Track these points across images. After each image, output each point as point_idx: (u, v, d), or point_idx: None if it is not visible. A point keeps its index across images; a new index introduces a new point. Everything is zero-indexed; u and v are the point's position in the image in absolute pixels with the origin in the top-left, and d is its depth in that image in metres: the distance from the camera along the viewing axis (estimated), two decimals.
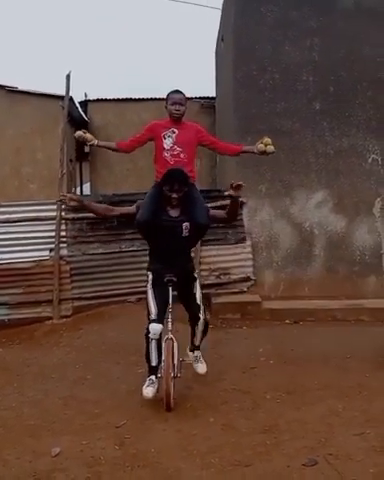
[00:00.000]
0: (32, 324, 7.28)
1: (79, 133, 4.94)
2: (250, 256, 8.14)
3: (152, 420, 4.16)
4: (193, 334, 4.79)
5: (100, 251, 7.75)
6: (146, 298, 4.60)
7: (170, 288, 4.55)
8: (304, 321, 7.20)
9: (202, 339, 4.85)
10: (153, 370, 4.52)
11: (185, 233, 4.50)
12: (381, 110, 8.31)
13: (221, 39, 10.97)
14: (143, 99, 15.03)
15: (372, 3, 8.36)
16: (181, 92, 4.90)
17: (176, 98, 4.84)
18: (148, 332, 4.44)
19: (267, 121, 8.28)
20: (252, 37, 8.35)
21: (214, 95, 13.73)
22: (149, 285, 4.61)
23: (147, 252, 7.57)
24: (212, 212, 4.74)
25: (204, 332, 4.79)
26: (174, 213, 4.51)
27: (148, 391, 4.43)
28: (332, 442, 3.69)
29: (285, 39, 8.35)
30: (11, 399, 4.75)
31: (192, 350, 4.89)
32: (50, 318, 7.41)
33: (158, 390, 4.43)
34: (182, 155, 4.79)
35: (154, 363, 4.49)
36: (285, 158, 8.28)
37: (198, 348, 4.90)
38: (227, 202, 7.79)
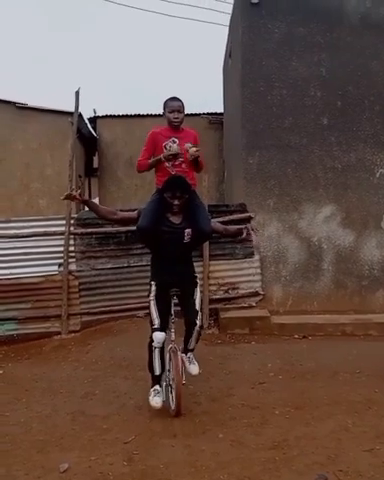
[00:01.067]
0: (41, 339, 7.29)
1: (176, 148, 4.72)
2: (258, 271, 8.13)
3: (160, 436, 4.15)
4: (187, 339, 4.76)
5: (109, 266, 7.76)
6: (149, 308, 4.64)
7: (173, 299, 4.62)
8: (313, 336, 7.17)
9: (196, 343, 4.83)
10: (157, 379, 4.60)
11: (187, 239, 4.53)
12: None
13: (229, 55, 11.05)
14: (151, 115, 15.11)
15: (379, 19, 8.41)
16: (179, 99, 4.89)
17: (174, 105, 4.83)
18: (152, 341, 4.51)
19: (275, 136, 8.32)
20: (259, 53, 8.41)
21: (222, 111, 13.81)
22: (152, 295, 4.64)
23: None
24: (212, 223, 4.78)
25: (198, 338, 4.78)
26: (176, 220, 4.54)
27: (156, 401, 4.48)
28: (342, 458, 3.67)
29: (292, 55, 8.41)
30: (19, 414, 4.76)
31: (185, 352, 4.86)
32: (59, 333, 7.42)
33: (164, 400, 4.49)
34: (183, 165, 4.81)
35: (157, 372, 4.56)
36: (293, 173, 8.30)
37: (191, 351, 4.89)
38: (234, 217, 7.88)
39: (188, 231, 4.51)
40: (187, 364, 4.81)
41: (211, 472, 3.54)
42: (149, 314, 4.65)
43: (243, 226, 4.71)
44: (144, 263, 7.70)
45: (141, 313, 7.60)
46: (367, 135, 8.34)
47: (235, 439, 4.05)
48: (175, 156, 4.69)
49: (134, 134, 15.22)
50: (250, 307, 7.91)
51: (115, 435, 4.19)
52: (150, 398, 4.53)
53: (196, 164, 4.83)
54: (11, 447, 4.07)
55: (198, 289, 4.74)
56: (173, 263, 4.59)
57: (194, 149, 4.70)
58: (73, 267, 7.67)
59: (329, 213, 8.28)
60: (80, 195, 4.58)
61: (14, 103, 13.38)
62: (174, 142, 4.79)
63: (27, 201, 13.33)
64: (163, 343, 4.54)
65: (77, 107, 8.09)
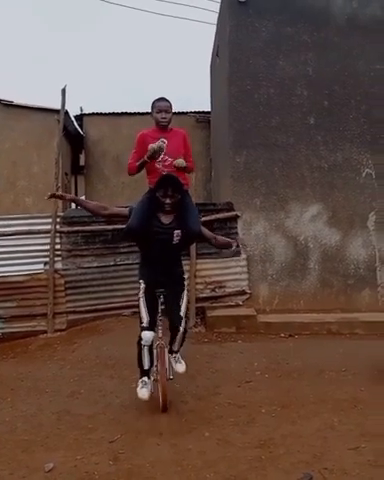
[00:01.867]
0: (26, 338, 7.26)
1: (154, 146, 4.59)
2: (245, 269, 8.13)
3: (146, 434, 4.14)
4: (172, 342, 4.77)
5: (95, 264, 7.74)
6: (138, 306, 4.64)
7: (160, 299, 4.60)
8: (299, 334, 7.18)
9: (180, 346, 4.84)
10: (145, 372, 4.64)
11: (176, 240, 4.51)
12: (375, 125, 8.37)
13: (216, 54, 11.05)
14: (138, 113, 15.08)
15: (365, 19, 8.46)
16: (167, 99, 4.85)
17: (162, 106, 4.79)
18: (141, 339, 4.52)
19: (262, 135, 8.33)
20: (247, 52, 8.42)
21: (209, 109, 13.81)
22: (141, 293, 4.64)
23: None
24: (204, 230, 4.75)
25: (183, 340, 4.80)
26: (166, 220, 4.51)
27: (143, 392, 4.52)
28: (327, 456, 3.68)
29: (279, 54, 8.43)
30: (4, 413, 4.73)
31: (170, 352, 4.86)
32: (44, 332, 7.39)
33: (152, 391, 4.53)
34: None
35: (146, 367, 4.60)
36: (280, 172, 8.32)
37: (176, 352, 4.89)
38: (221, 216, 7.90)
39: (177, 232, 4.48)
40: (173, 363, 4.81)
41: (197, 471, 3.53)
42: (138, 312, 4.63)
43: (233, 241, 4.80)
44: (130, 261, 7.71)
45: (127, 312, 7.58)
46: (353, 135, 8.38)
47: (221, 438, 4.05)
48: (156, 153, 4.62)
49: (121, 132, 15.20)
50: (237, 306, 7.92)
51: (101, 434, 4.17)
52: (137, 389, 4.57)
53: (183, 169, 4.78)
54: None
55: (185, 293, 4.71)
56: (161, 263, 4.57)
57: (180, 162, 4.65)
58: (59, 265, 7.64)
59: (315, 212, 8.31)
60: (64, 193, 4.55)
61: (0, 101, 13.28)
62: (163, 143, 4.75)
63: (13, 199, 13.26)
64: (151, 341, 4.54)
65: (63, 105, 8.05)
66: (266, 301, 8.17)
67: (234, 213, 8.13)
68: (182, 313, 4.62)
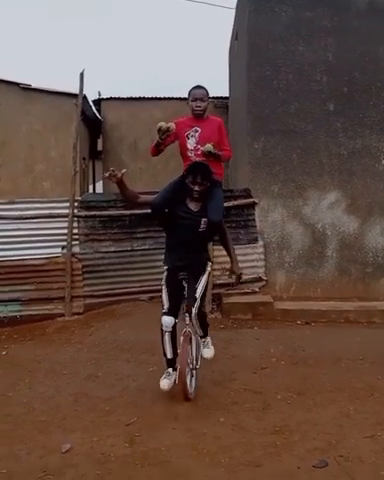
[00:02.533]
0: (44, 321, 7.32)
1: (162, 124, 4.55)
2: (262, 256, 8.12)
3: (162, 418, 4.17)
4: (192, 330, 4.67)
5: (112, 249, 7.76)
6: (161, 291, 4.62)
7: (186, 284, 4.56)
8: (316, 322, 7.17)
9: (204, 331, 4.77)
10: (169, 363, 4.58)
11: (202, 228, 4.48)
12: None
13: (235, 38, 10.94)
14: (156, 98, 15.03)
15: None
16: (203, 87, 4.87)
17: (197, 94, 4.81)
18: (162, 325, 4.50)
19: (280, 121, 8.26)
20: (266, 37, 8.32)
21: (227, 94, 13.71)
22: (164, 280, 4.63)
23: (159, 251, 7.61)
24: (223, 226, 4.75)
25: (203, 324, 4.68)
26: (194, 207, 4.49)
27: (164, 383, 4.47)
28: (343, 444, 3.68)
29: (299, 39, 8.32)
30: (22, 395, 4.78)
31: (191, 340, 4.73)
32: (62, 315, 7.44)
33: (175, 382, 4.45)
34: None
35: (169, 356, 4.55)
36: (298, 159, 8.25)
37: (203, 337, 4.84)
38: (238, 202, 7.87)
39: (204, 220, 4.46)
40: (201, 348, 4.78)
41: (212, 455, 3.55)
42: (161, 298, 4.62)
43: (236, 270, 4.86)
44: (147, 247, 7.73)
45: (144, 297, 7.62)
46: (373, 121, 8.28)
47: (237, 423, 4.06)
48: (163, 133, 4.59)
49: (138, 117, 15.16)
50: (253, 293, 7.91)
51: (117, 417, 4.21)
52: (160, 379, 4.52)
53: (214, 157, 4.75)
54: (14, 427, 4.09)
55: (205, 277, 4.64)
56: (185, 249, 4.54)
57: (208, 147, 4.63)
58: (76, 250, 7.67)
59: (334, 199, 8.25)
60: (122, 175, 4.47)
61: (18, 84, 13.28)
62: (196, 131, 4.76)
63: (31, 183, 13.30)
64: (173, 327, 4.50)
65: (81, 89, 8.03)
66: (283, 288, 8.16)
67: (251, 200, 8.09)
68: (197, 295, 4.54)
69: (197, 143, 4.77)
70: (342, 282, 8.16)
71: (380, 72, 8.28)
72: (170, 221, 4.54)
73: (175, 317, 4.52)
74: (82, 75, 7.94)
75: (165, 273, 4.65)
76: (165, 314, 4.49)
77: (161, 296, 4.61)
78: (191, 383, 4.56)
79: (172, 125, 4.57)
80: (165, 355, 4.58)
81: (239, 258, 7.89)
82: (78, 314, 7.48)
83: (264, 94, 8.31)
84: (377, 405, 4.36)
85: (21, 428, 4.07)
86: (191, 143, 4.81)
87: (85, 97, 12.45)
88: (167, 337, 4.51)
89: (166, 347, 4.54)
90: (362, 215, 8.25)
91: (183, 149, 4.86)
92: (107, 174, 4.40)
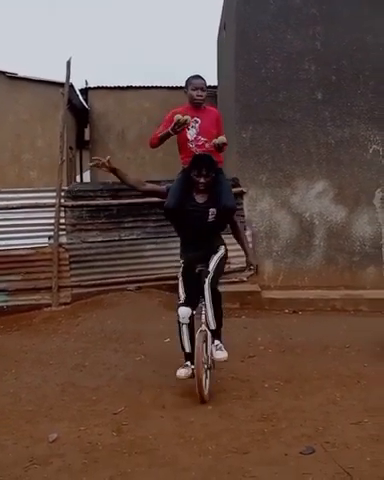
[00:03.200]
0: (31, 311, 7.28)
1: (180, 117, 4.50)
2: (250, 246, 8.08)
3: (150, 407, 4.16)
4: (205, 312, 4.42)
5: (99, 239, 7.73)
6: (177, 285, 4.57)
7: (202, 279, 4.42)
8: (303, 311, 7.19)
9: (217, 320, 4.45)
10: (188, 356, 4.47)
11: (211, 218, 4.43)
12: (383, 100, 8.26)
13: (223, 27, 10.89)
14: (144, 87, 14.94)
15: None
16: (202, 77, 4.83)
17: (198, 83, 4.76)
18: (178, 317, 4.43)
19: (268, 110, 8.24)
20: (254, 25, 8.29)
21: (216, 84, 13.65)
22: (180, 273, 4.59)
23: (147, 241, 7.62)
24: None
25: (215, 306, 4.41)
26: (201, 199, 4.46)
27: (180, 372, 4.38)
28: (330, 431, 3.69)
29: (287, 27, 8.30)
30: (9, 385, 4.76)
31: (212, 340, 4.51)
32: (49, 305, 7.41)
33: (192, 374, 4.31)
34: (207, 145, 4.72)
35: (188, 349, 4.45)
36: (286, 148, 8.25)
37: (217, 336, 4.57)
38: None
39: (212, 210, 4.41)
40: (214, 351, 4.51)
41: (199, 443, 3.55)
42: (177, 291, 4.55)
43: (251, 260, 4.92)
44: (135, 237, 7.72)
45: (132, 287, 7.60)
46: (361, 110, 8.29)
47: (224, 411, 4.06)
48: (181, 126, 4.57)
49: (126, 106, 15.07)
50: (241, 282, 7.91)
51: (104, 406, 4.20)
52: (178, 370, 4.40)
53: (219, 150, 4.74)
54: (0, 417, 4.06)
55: (218, 254, 4.54)
56: (198, 241, 4.49)
57: (222, 138, 4.62)
58: (64, 240, 7.63)
59: (321, 189, 8.27)
60: (109, 162, 4.44)
61: (4, 73, 13.15)
62: (196, 122, 4.73)
63: (18, 172, 13.21)
64: (191, 319, 4.41)
65: (68, 77, 7.95)
66: (271, 277, 8.18)
67: (240, 189, 8.08)
68: (210, 268, 4.42)
69: (198, 134, 4.72)
70: (329, 271, 8.19)
71: (368, 61, 8.29)
72: (180, 217, 4.48)
73: (192, 308, 4.43)
74: (69, 63, 7.86)
75: (182, 268, 4.60)
76: (182, 305, 4.42)
77: (178, 288, 4.55)
78: (206, 385, 4.32)
79: (189, 118, 4.54)
80: (183, 348, 4.48)
81: (227, 247, 7.97)
82: (65, 304, 7.44)
83: (252, 83, 8.30)
84: (363, 392, 4.38)
85: (7, 418, 4.05)
86: (191, 134, 4.75)
87: (72, 86, 12.34)
88: (185, 329, 4.41)
89: (184, 340, 4.44)
90: (350, 204, 8.27)
91: (182, 140, 4.79)
92: (93, 163, 4.36)
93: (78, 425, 3.85)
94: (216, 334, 4.56)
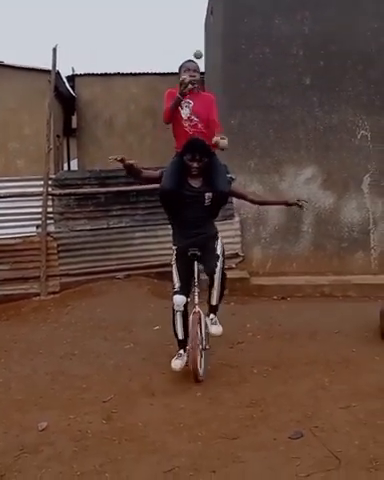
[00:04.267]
0: (19, 300, 7.26)
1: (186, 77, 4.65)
2: (238, 233, 8.11)
3: (139, 395, 4.18)
4: (210, 292, 4.59)
5: (88, 227, 7.70)
6: (171, 272, 4.59)
7: (195, 262, 4.51)
8: (292, 297, 7.23)
9: (220, 298, 4.66)
10: (181, 344, 4.53)
11: (207, 203, 4.45)
12: (371, 85, 8.25)
13: (210, 12, 10.80)
14: (131, 74, 14.82)
15: None
16: (194, 62, 4.90)
17: (190, 66, 4.84)
18: (173, 304, 4.46)
19: (257, 96, 8.20)
20: (241, 10, 8.22)
21: (203, 70, 13.56)
22: (173, 259, 4.60)
23: (135, 228, 7.59)
24: (235, 187, 4.81)
25: (221, 286, 4.58)
26: (195, 183, 4.45)
27: (176, 363, 4.42)
28: (318, 415, 3.72)
29: (275, 12, 8.23)
30: None
31: (209, 313, 4.68)
32: (37, 294, 7.38)
33: (187, 363, 4.40)
34: (200, 125, 4.77)
35: (180, 336, 4.51)
36: (274, 134, 8.22)
37: (215, 310, 4.70)
38: None
39: (208, 195, 4.42)
40: (209, 325, 4.63)
41: (189, 429, 3.57)
42: (171, 278, 4.57)
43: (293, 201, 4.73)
44: (123, 224, 7.69)
45: (120, 275, 7.59)
46: (349, 96, 8.27)
47: (213, 397, 4.09)
48: (187, 86, 4.62)
49: (113, 92, 14.97)
50: (230, 269, 7.87)
51: (94, 394, 4.21)
52: (172, 360, 4.46)
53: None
54: None
55: (219, 241, 4.61)
56: (193, 226, 4.49)
57: (225, 142, 4.62)
58: (51, 228, 7.59)
59: (310, 175, 8.26)
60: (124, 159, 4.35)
61: None
62: (189, 103, 4.75)
63: (4, 162, 13.11)
64: (185, 306, 4.46)
65: (54, 64, 7.88)
66: (259, 264, 8.18)
67: (229, 176, 8.03)
68: (218, 252, 4.52)
69: (191, 114, 4.76)
70: (318, 257, 8.21)
71: (356, 45, 8.25)
72: (176, 201, 4.47)
73: (186, 296, 4.48)
74: (55, 50, 7.78)
75: (174, 252, 4.60)
76: (176, 293, 4.45)
77: (172, 276, 4.56)
78: (201, 364, 4.43)
79: (193, 78, 4.65)
80: (176, 336, 4.53)
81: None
82: (54, 293, 7.42)
83: (240, 68, 8.25)
84: (352, 377, 4.41)
85: None
86: (185, 113, 4.79)
87: (58, 73, 12.23)
88: (179, 317, 4.47)
89: (177, 327, 4.50)
90: (338, 190, 8.28)
91: (176, 121, 4.83)
92: (119, 158, 4.29)
93: (68, 413, 3.86)
94: (215, 308, 4.69)
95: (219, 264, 4.49)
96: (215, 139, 4.62)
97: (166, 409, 3.91)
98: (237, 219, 8.09)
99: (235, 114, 8.20)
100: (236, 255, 8.02)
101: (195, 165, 4.36)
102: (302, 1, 8.23)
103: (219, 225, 7.81)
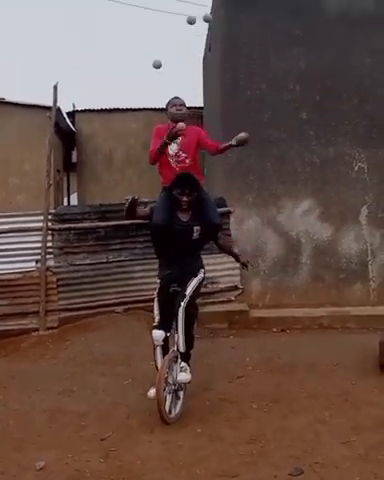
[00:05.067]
0: (18, 336, 7.21)
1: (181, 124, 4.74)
2: (237, 265, 8.10)
3: (138, 432, 4.14)
4: (176, 335, 4.49)
5: (87, 261, 7.69)
6: (153, 305, 4.61)
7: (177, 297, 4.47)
8: (291, 329, 7.21)
9: (187, 343, 4.50)
10: None
11: (196, 236, 4.49)
12: (367, 118, 8.39)
13: (208, 49, 11.03)
14: (130, 109, 15.06)
15: (357, 13, 8.45)
16: (179, 97, 5.07)
17: (176, 102, 5.01)
18: (152, 339, 4.49)
19: (254, 131, 8.22)
20: (239, 47, 8.40)
21: (201, 105, 13.78)
22: (156, 292, 4.62)
23: (134, 262, 7.60)
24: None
25: (186, 330, 4.44)
26: (184, 217, 4.49)
27: (151, 392, 4.32)
28: (318, 450, 3.69)
29: (271, 48, 8.41)
30: None
31: (177, 359, 4.54)
32: (36, 329, 7.34)
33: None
34: (187, 161, 4.85)
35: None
36: (272, 167, 8.32)
37: (184, 358, 4.55)
38: None
39: (197, 228, 4.46)
40: (178, 371, 4.46)
41: (188, 467, 3.53)
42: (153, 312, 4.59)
43: (235, 243, 4.83)
44: (123, 258, 7.69)
45: (119, 309, 7.56)
46: (346, 129, 8.39)
47: (213, 433, 4.05)
48: (177, 135, 4.72)
49: (113, 128, 15.19)
50: (229, 301, 7.90)
51: (92, 432, 4.17)
52: (149, 389, 4.35)
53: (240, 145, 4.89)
54: None
55: (196, 279, 4.58)
56: (180, 261, 4.52)
57: (243, 134, 4.78)
58: (51, 263, 7.59)
59: (307, 207, 8.32)
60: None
61: None
62: (176, 140, 4.84)
63: (5, 196, 13.21)
64: (164, 340, 4.48)
65: (55, 101, 8.00)
66: (258, 296, 8.18)
67: (226, 209, 8.10)
68: (187, 292, 4.45)
69: (179, 150, 4.83)
70: (316, 288, 8.22)
71: (351, 80, 8.42)
72: (166, 235, 4.50)
73: (166, 331, 4.49)
74: (56, 88, 7.91)
75: (158, 287, 4.63)
76: (156, 327, 4.48)
77: (153, 309, 4.59)
78: (174, 405, 4.34)
79: (183, 125, 4.73)
80: (157, 368, 4.52)
81: (214, 267, 7.98)
82: (53, 328, 7.38)
83: (237, 104, 8.39)
84: (352, 410, 4.38)
85: None
86: (173, 148, 4.87)
87: (59, 109, 12.42)
88: (158, 351, 4.50)
89: (157, 361, 4.52)
90: (336, 222, 8.33)
91: (163, 156, 4.90)
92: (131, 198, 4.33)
93: (66, 452, 3.82)
94: (185, 356, 4.59)
95: (183, 304, 4.41)
96: (235, 138, 4.73)
97: (165, 446, 3.87)
98: (236, 251, 8.08)
99: (233, 149, 8.28)
100: (235, 287, 8.01)
101: (185, 199, 4.41)
102: (297, 37, 8.42)
103: (218, 257, 7.96)
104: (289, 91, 8.41)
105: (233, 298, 7.93)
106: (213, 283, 7.93)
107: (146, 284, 7.71)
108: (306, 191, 8.32)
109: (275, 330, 7.20)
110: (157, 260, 4.90)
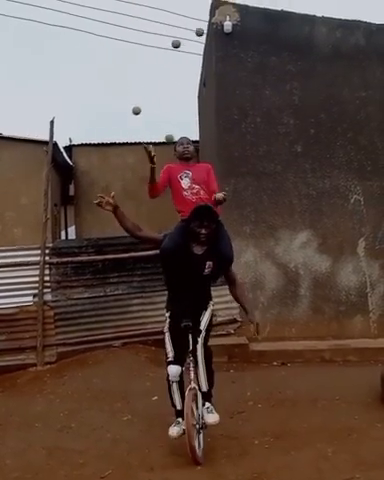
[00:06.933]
0: (15, 371, 7.14)
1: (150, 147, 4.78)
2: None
3: (137, 469, 4.06)
4: (196, 373, 4.31)
5: (85, 295, 7.67)
6: (164, 340, 4.49)
7: (190, 334, 4.37)
8: (292, 362, 7.13)
9: (209, 381, 4.39)
10: (179, 413, 4.35)
11: (207, 272, 4.38)
12: (361, 151, 8.48)
13: (203, 84, 11.18)
14: (127, 143, 15.17)
15: (348, 48, 8.62)
16: (187, 138, 5.17)
17: (183, 140, 5.09)
18: (168, 375, 4.34)
19: (250, 164, 8.39)
20: (233, 82, 8.52)
21: (197, 138, 13.90)
22: (166, 327, 4.50)
23: (132, 295, 7.56)
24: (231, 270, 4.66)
25: (208, 366, 4.37)
26: (199, 250, 4.38)
27: (173, 430, 4.27)
28: None
29: (265, 83, 8.54)
30: None
31: (203, 402, 4.38)
32: (34, 365, 7.27)
33: (184, 432, 4.13)
34: (202, 192, 4.84)
35: (179, 407, 4.36)
36: (268, 200, 8.36)
37: (207, 398, 4.42)
38: None
39: (209, 263, 4.36)
40: (205, 413, 4.34)
41: None
42: (164, 347, 4.47)
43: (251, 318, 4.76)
44: (120, 292, 7.68)
45: (118, 343, 7.52)
46: (341, 162, 8.46)
47: (214, 471, 3.97)
48: (149, 154, 4.70)
49: (109, 162, 15.28)
50: (228, 334, 7.85)
51: (92, 470, 4.09)
52: (169, 428, 4.30)
53: (218, 204, 4.84)
54: None
55: (208, 311, 4.51)
56: (190, 295, 4.42)
57: (221, 195, 4.73)
58: (48, 297, 7.57)
59: (305, 239, 8.34)
60: (113, 198, 4.35)
61: None
62: (188, 173, 4.87)
63: (1, 230, 13.19)
64: (180, 376, 4.34)
65: (52, 136, 8.10)
66: (258, 329, 8.09)
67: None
68: (202, 327, 4.37)
69: (192, 182, 4.86)
70: (316, 321, 8.16)
71: (345, 113, 8.53)
72: (175, 265, 4.42)
73: (181, 365, 4.36)
74: (52, 123, 8.02)
75: (167, 320, 4.52)
76: (171, 363, 4.33)
77: (164, 345, 4.46)
78: (199, 444, 4.22)
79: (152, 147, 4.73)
80: (174, 406, 4.40)
81: (213, 300, 7.92)
82: (50, 363, 7.31)
83: (233, 137, 8.47)
84: (355, 445, 4.30)
85: None
86: (185, 183, 4.88)
87: (56, 144, 12.50)
88: (175, 387, 4.36)
89: (175, 398, 4.37)
90: (334, 254, 8.33)
91: (177, 192, 4.91)
92: (96, 201, 4.35)
93: None
94: (208, 396, 4.45)
95: (200, 340, 4.33)
96: (214, 196, 4.71)
97: None
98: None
99: (229, 181, 8.35)
100: (234, 320, 7.97)
101: (203, 231, 4.30)
102: (291, 73, 8.56)
103: (218, 290, 7.85)
104: (283, 125, 8.52)
105: (232, 331, 7.89)
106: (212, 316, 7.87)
107: (144, 317, 7.70)
108: (303, 223, 8.35)
109: (275, 364, 7.13)
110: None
